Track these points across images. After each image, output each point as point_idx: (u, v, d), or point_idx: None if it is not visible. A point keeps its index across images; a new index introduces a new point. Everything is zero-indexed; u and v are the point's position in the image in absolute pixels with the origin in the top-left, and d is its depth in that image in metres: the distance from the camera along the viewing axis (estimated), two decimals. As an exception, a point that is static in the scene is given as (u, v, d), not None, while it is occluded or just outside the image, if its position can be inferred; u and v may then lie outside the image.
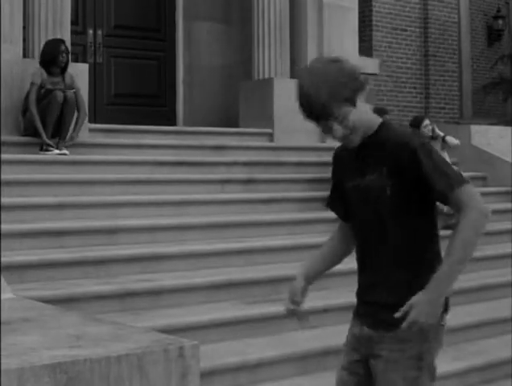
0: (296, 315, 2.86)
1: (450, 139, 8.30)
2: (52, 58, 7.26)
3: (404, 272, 2.65)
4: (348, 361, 2.79)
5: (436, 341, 2.68)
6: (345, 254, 2.96)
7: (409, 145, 2.58)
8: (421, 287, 2.55)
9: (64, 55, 7.31)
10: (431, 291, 2.53)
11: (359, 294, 2.82)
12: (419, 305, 2.52)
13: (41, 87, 7.22)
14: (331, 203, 2.95)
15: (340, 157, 2.83)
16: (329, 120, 2.59)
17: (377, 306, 2.70)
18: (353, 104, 2.59)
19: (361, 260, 2.78)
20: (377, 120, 2.70)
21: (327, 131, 2.66)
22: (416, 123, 8.48)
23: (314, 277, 2.91)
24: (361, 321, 2.77)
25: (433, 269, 2.58)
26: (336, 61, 2.60)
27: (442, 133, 8.28)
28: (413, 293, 2.55)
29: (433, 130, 8.32)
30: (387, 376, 2.65)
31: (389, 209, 2.63)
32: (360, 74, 2.62)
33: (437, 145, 8.32)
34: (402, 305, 2.56)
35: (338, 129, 2.60)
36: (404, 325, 2.53)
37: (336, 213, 2.93)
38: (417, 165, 2.55)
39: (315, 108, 2.57)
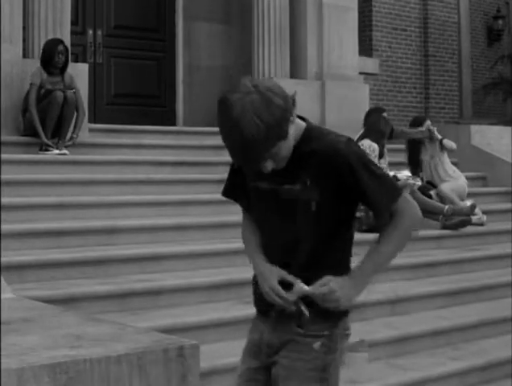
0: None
1: (447, 142, 8.32)
2: (49, 58, 7.25)
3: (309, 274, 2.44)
4: (246, 368, 2.58)
5: (340, 352, 2.52)
6: None
7: (341, 155, 2.36)
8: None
9: (61, 55, 7.27)
10: (357, 276, 2.44)
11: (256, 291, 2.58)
12: (343, 288, 2.38)
13: (40, 87, 7.22)
14: (230, 190, 2.62)
15: None
16: (262, 162, 2.30)
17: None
18: (287, 136, 2.30)
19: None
20: (301, 127, 2.42)
21: (254, 170, 2.36)
22: (417, 123, 8.48)
23: None
24: (262, 323, 2.58)
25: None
26: (265, 90, 2.22)
27: (440, 136, 8.30)
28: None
29: (433, 132, 8.34)
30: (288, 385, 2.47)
31: (309, 220, 2.42)
32: (289, 96, 2.30)
33: (435, 147, 8.33)
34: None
35: (269, 164, 2.32)
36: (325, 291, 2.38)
37: (239, 203, 2.64)
38: (352, 178, 2.37)
39: (251, 155, 2.25)
